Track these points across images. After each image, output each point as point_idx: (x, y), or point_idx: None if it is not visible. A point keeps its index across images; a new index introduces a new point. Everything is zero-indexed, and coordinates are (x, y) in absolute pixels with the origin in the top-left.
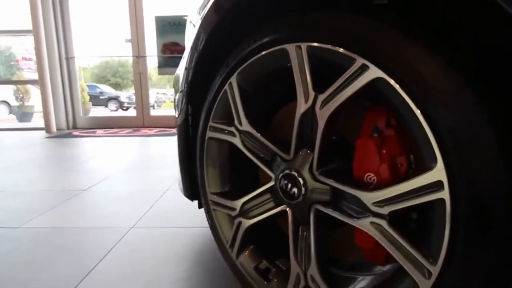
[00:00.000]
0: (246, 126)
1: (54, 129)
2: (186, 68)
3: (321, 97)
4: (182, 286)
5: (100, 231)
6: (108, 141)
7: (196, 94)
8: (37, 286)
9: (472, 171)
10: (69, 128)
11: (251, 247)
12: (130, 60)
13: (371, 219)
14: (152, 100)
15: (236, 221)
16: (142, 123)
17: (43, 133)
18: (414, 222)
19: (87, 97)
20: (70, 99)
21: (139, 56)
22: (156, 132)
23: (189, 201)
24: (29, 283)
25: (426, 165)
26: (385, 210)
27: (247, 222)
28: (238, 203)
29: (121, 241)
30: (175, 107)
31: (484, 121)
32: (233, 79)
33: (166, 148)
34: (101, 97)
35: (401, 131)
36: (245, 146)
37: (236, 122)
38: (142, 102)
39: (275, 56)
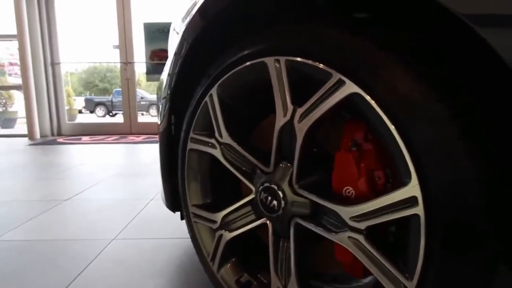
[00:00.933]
0: (226, 138)
1: (37, 135)
2: (169, 74)
3: (299, 111)
4: None
5: (81, 242)
6: (94, 148)
7: (179, 101)
8: None
9: (447, 187)
10: (54, 135)
11: (233, 260)
12: (119, 65)
13: (348, 233)
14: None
15: (217, 234)
16: (130, 129)
17: (26, 140)
18: (391, 237)
19: (74, 103)
20: (55, 105)
21: (127, 63)
22: (144, 139)
23: (170, 212)
24: None
25: (401, 180)
26: (362, 225)
27: (228, 235)
28: (219, 216)
29: (102, 252)
30: (158, 114)
31: (459, 136)
32: (214, 91)
33: (153, 155)
34: (142, 103)
35: (379, 145)
36: (225, 158)
37: (216, 134)
38: (129, 108)
39: (255, 69)
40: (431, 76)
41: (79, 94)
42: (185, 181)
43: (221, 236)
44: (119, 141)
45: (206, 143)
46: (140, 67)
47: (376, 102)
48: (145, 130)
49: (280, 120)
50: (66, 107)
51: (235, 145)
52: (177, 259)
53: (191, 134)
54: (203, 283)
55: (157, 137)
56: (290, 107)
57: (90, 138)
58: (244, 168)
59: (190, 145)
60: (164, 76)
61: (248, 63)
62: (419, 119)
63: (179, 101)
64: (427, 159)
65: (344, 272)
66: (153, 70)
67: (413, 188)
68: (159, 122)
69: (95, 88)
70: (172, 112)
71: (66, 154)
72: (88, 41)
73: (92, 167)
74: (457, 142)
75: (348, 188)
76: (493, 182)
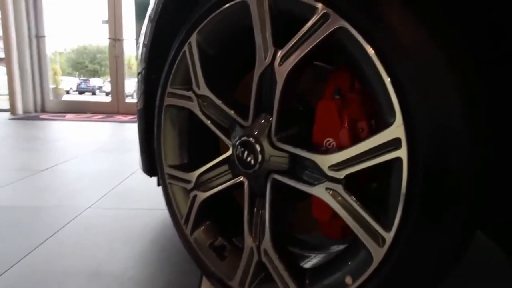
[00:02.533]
0: (204, 89)
1: (20, 111)
2: (144, 45)
3: (281, 52)
4: (137, 262)
5: (54, 209)
6: (78, 125)
7: (156, 74)
8: None
9: (433, 128)
10: (37, 111)
11: (207, 223)
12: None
13: (326, 184)
14: (131, 89)
15: (192, 194)
16: (117, 109)
17: (7, 114)
18: (370, 188)
19: (60, 81)
20: (39, 80)
21: (116, 39)
22: (131, 119)
23: (154, 183)
24: None
25: (385, 123)
26: (341, 174)
27: (202, 195)
28: (194, 175)
29: (75, 219)
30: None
31: (447, 68)
32: (193, 39)
33: None
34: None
35: (364, 95)
36: (203, 112)
37: (194, 85)
38: (117, 87)
39: (237, 11)
40: (423, 8)
41: (67, 75)
42: (161, 141)
43: (195, 196)
44: (105, 119)
45: (183, 97)
46: (132, 46)
47: (361, 33)
48: (133, 111)
49: (261, 65)
50: (53, 86)
51: (212, 97)
52: (155, 228)
53: (168, 89)
54: (180, 250)
55: None
56: (271, 49)
57: (75, 115)
58: (222, 123)
59: (167, 101)
60: (140, 48)
61: (227, 5)
62: (404, 48)
63: (156, 74)
64: (412, 94)
65: (321, 234)
66: None
67: (397, 129)
68: (136, 100)
69: (85, 69)
70: (149, 87)
71: (48, 129)
72: (76, 15)
73: (74, 142)
74: (446, 75)
75: (329, 140)
76: (481, 126)
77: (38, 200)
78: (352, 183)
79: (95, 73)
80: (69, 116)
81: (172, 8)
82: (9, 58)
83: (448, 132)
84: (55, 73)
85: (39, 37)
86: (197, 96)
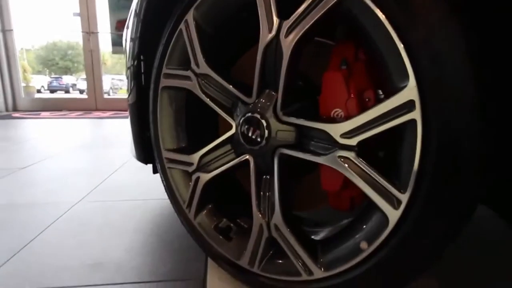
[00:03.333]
0: (204, 68)
1: None
2: (131, 39)
3: (286, 23)
4: (138, 252)
5: (39, 207)
6: (54, 122)
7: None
8: None
9: (445, 89)
10: (8, 110)
11: (210, 206)
12: (81, 42)
13: (339, 153)
14: (107, 86)
15: (194, 176)
16: (95, 105)
17: None
18: (383, 153)
19: (31, 79)
20: (8, 77)
21: (90, 33)
22: (111, 114)
23: (142, 177)
24: None
25: (396, 88)
26: (354, 141)
27: (206, 177)
28: (196, 157)
29: (66, 214)
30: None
31: (459, 33)
32: (189, 16)
33: (122, 128)
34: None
35: (369, 65)
36: (203, 91)
37: (193, 64)
38: (94, 82)
39: None
40: None
41: (37, 73)
42: (158, 125)
43: (198, 178)
44: (83, 116)
45: (181, 77)
46: (105, 43)
47: (374, 2)
48: (112, 106)
49: (265, 37)
50: (23, 84)
51: (213, 74)
52: (152, 218)
53: (164, 70)
54: (179, 239)
55: (126, 113)
56: (276, 20)
57: (50, 113)
58: (223, 102)
59: (163, 82)
60: (127, 44)
61: None
62: (416, 12)
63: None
64: (425, 57)
65: (329, 207)
66: (120, 41)
67: (410, 91)
68: (127, 95)
69: (55, 66)
70: (139, 81)
71: (22, 128)
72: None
73: (51, 139)
74: (459, 38)
75: (337, 110)
76: (490, 90)
77: (23, 198)
78: (365, 150)
79: (67, 71)
80: (44, 114)
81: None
82: None
83: (459, 93)
84: (24, 71)
85: (5, 31)
86: (197, 75)
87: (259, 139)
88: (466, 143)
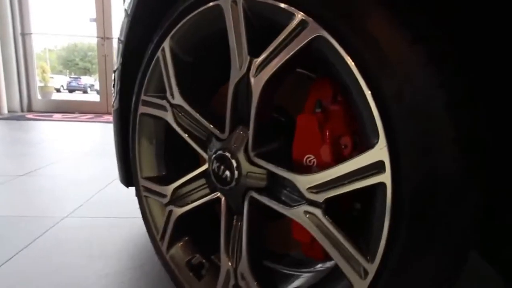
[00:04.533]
0: (178, 99)
1: (5, 110)
2: (120, 41)
3: (256, 62)
4: (109, 282)
5: (27, 220)
6: (65, 125)
7: (130, 71)
8: None
9: (421, 152)
10: (23, 110)
11: (185, 239)
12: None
13: (305, 207)
14: None
15: (167, 209)
16: (106, 109)
17: None
18: (352, 213)
19: (49, 80)
20: (25, 79)
21: (105, 38)
22: None
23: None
24: None
25: (368, 144)
26: (320, 197)
27: (178, 211)
28: (170, 189)
29: (49, 231)
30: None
31: (436, 85)
32: (166, 44)
33: None
34: None
35: (347, 108)
36: (177, 123)
37: (168, 94)
38: (106, 86)
39: (210, 16)
40: (406, 13)
41: (58, 72)
42: (136, 152)
43: (171, 212)
44: (93, 119)
45: (157, 106)
46: None
47: (341, 44)
48: None
49: (235, 74)
50: (41, 84)
51: (187, 106)
52: (132, 239)
53: (142, 97)
54: (157, 266)
55: None
56: (246, 58)
57: (62, 115)
58: (198, 135)
59: (141, 109)
60: (117, 44)
61: (201, 8)
62: (389, 63)
63: (131, 68)
64: (398, 113)
65: (303, 253)
66: None
67: (380, 151)
68: (112, 99)
69: (75, 67)
70: (123, 82)
71: (33, 130)
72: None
73: (58, 144)
74: (436, 91)
75: (310, 157)
76: (478, 145)
77: (12, 209)
78: (333, 207)
79: (86, 71)
80: (56, 116)
81: (149, 2)
82: None
83: (438, 157)
84: (43, 71)
85: (25, 35)
86: (171, 105)
87: (229, 179)
88: (445, 213)
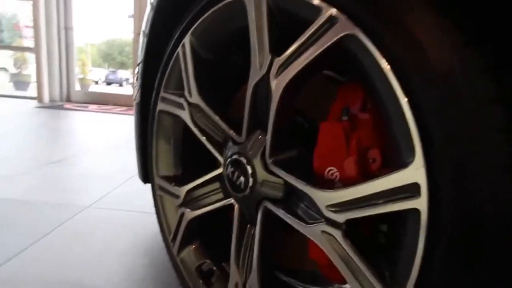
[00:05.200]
0: (195, 97)
1: (46, 99)
2: (144, 34)
3: (278, 61)
4: (122, 278)
5: (50, 207)
6: (99, 116)
7: (152, 65)
8: None
9: (465, 174)
10: (62, 100)
11: (197, 243)
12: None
13: (322, 227)
14: None
15: (180, 211)
16: None
17: (35, 102)
18: (377, 238)
19: (88, 72)
20: (66, 70)
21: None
22: None
23: None
24: None
25: (401, 162)
26: (341, 218)
27: (190, 214)
28: (183, 191)
29: (69, 221)
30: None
31: (492, 98)
32: (187, 40)
33: None
34: None
35: (378, 118)
36: (194, 122)
37: (186, 92)
38: None
39: (232, 11)
40: (458, 17)
41: (98, 66)
42: (154, 148)
43: (183, 214)
44: (126, 112)
45: (175, 103)
46: None
47: (374, 43)
48: None
49: (255, 74)
50: (80, 76)
51: (204, 106)
52: (149, 235)
53: (161, 93)
54: (169, 265)
55: None
56: (267, 56)
57: (98, 107)
58: (214, 136)
59: (160, 106)
60: (141, 37)
61: (223, 3)
62: (430, 64)
63: (154, 66)
64: (440, 132)
65: (321, 272)
66: None
67: (415, 172)
68: (135, 92)
69: (114, 61)
70: (146, 80)
71: (70, 119)
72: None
73: (92, 134)
74: (489, 108)
75: (332, 169)
76: None
77: (39, 195)
78: (355, 229)
79: (123, 65)
80: (92, 107)
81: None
82: (38, 48)
83: (490, 187)
84: (83, 64)
85: (68, 29)
86: (189, 104)
87: (243, 187)
88: (491, 251)
